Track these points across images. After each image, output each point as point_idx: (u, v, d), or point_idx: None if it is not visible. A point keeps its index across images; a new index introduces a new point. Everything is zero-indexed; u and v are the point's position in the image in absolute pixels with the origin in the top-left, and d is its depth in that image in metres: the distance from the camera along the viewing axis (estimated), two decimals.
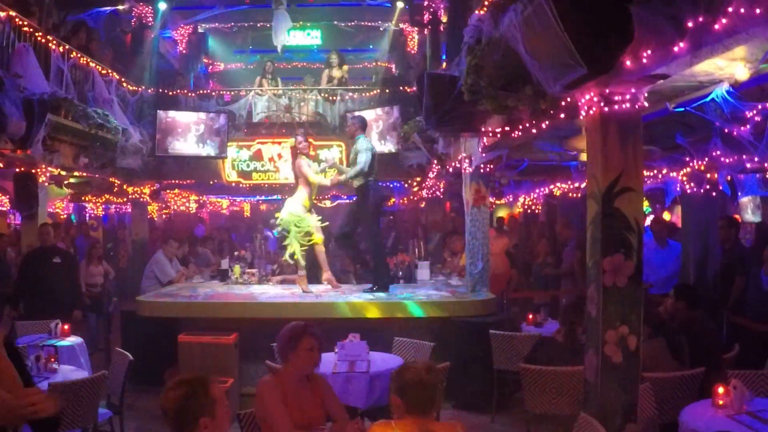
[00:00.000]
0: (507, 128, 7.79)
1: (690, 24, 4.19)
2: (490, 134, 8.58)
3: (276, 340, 5.38)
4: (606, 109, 5.57)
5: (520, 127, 7.51)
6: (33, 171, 11.01)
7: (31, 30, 10.49)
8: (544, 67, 5.25)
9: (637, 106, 5.59)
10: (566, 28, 4.63)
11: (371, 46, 20.75)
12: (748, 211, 12.80)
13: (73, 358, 9.12)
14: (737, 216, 11.20)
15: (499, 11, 6.28)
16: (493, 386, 9.54)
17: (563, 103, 6.09)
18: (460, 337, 9.96)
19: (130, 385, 8.31)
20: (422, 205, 17.66)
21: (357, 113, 14.99)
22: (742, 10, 3.78)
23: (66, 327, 9.58)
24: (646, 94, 5.60)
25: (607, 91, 5.47)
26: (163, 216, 19.61)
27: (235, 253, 15.72)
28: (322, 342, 5.24)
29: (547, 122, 6.93)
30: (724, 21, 3.95)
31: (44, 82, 10.24)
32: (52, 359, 7.79)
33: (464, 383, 9.31)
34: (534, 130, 7.33)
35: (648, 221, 15.07)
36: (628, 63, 4.72)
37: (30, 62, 10.05)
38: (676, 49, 4.41)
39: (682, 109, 6.33)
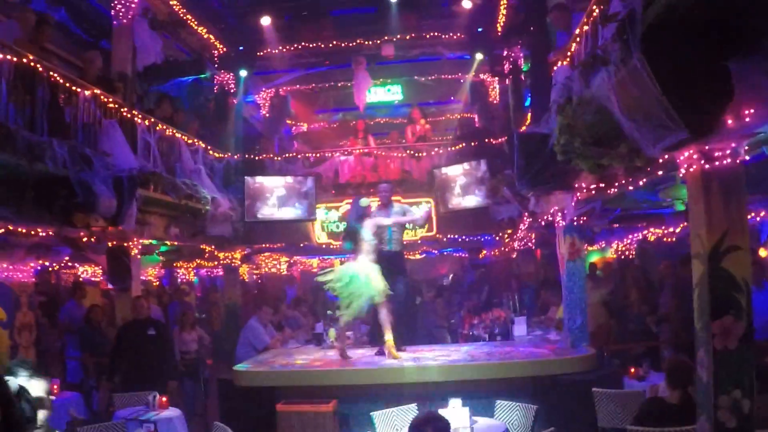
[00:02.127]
0: (602, 185, 7.63)
1: None
2: (584, 191, 8.42)
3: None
4: (707, 166, 5.42)
5: (616, 184, 7.35)
6: (125, 245, 11.15)
7: (117, 106, 10.67)
8: (642, 129, 5.10)
9: (738, 161, 5.42)
10: (663, 90, 4.49)
11: (452, 98, 20.69)
12: None
13: (172, 430, 9.16)
14: None
15: (589, 70, 6.16)
16: None
17: (660, 160, 5.94)
18: (562, 396, 9.72)
19: None
20: (514, 256, 17.44)
21: (444, 170, 15.03)
22: None
23: (164, 399, 9.64)
24: (746, 147, 5.43)
25: (707, 147, 5.32)
26: (254, 277, 19.73)
27: (328, 312, 15.73)
28: None
29: (644, 180, 6.77)
30: None
31: (132, 157, 10.37)
32: None
33: None
34: (630, 187, 7.17)
35: None
36: (729, 122, 4.58)
37: (117, 138, 10.21)
38: None
39: None
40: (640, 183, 6.93)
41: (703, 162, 5.39)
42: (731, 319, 5.51)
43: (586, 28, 7.83)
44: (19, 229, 8.82)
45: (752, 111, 4.43)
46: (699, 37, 4.34)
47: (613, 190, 7.65)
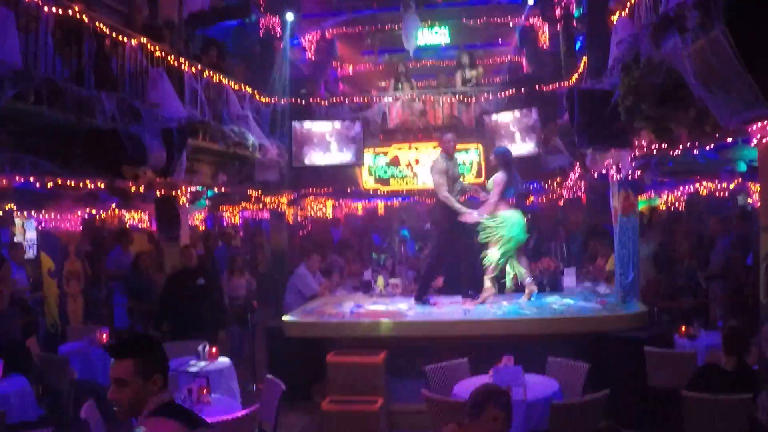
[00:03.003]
0: (665, 146, 7.45)
1: None
2: (644, 149, 8.24)
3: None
4: None
5: (680, 147, 7.19)
6: (174, 193, 11.13)
7: (164, 54, 10.60)
8: (718, 99, 4.95)
9: None
10: (746, 65, 4.33)
11: (501, 41, 20.37)
12: None
13: (223, 382, 9.22)
14: None
15: (660, 33, 5.97)
16: (648, 404, 9.27)
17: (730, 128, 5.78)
18: (613, 354, 9.66)
19: None
20: (561, 203, 17.26)
21: (494, 116, 14.83)
22: None
23: (214, 350, 9.68)
24: None
25: None
26: (299, 219, 19.70)
27: (373, 256, 15.71)
28: (510, 412, 4.99)
29: (711, 145, 6.61)
30: None
31: (180, 106, 10.32)
32: (205, 391, 7.83)
33: (617, 399, 9.01)
34: (696, 151, 7.01)
35: None
36: None
37: (165, 88, 10.15)
38: None
39: None
40: (707, 148, 6.77)
41: None
42: None
43: None
44: (68, 182, 8.80)
45: None
46: None
47: (676, 152, 7.49)
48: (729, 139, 6.22)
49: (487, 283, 10.97)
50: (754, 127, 5.40)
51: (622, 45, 7.42)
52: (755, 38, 4.30)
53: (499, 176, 10.76)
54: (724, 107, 4.92)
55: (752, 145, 5.66)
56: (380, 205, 22.14)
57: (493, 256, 10.81)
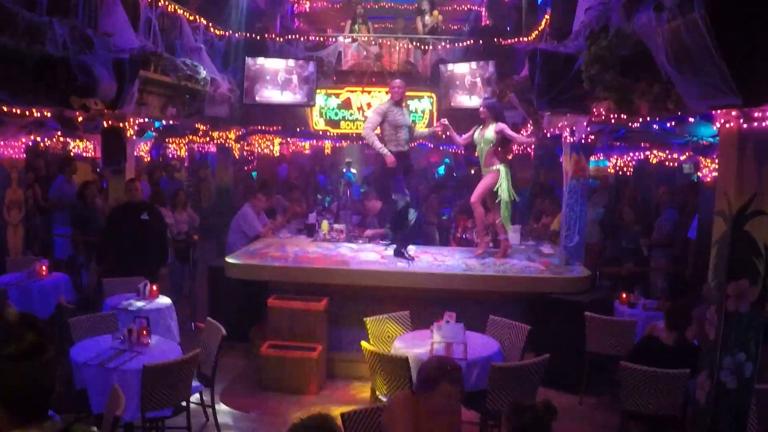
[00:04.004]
0: (624, 116, 7.40)
1: None
2: (602, 117, 8.20)
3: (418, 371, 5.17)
4: (745, 125, 5.23)
5: (639, 119, 7.15)
6: (121, 125, 10.88)
7: None
8: (687, 81, 4.87)
9: None
10: (722, 53, 4.27)
11: None
12: None
13: (162, 322, 9.16)
14: None
15: (634, 5, 5.87)
16: (584, 368, 9.39)
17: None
18: (553, 316, 9.77)
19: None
20: (509, 157, 17.27)
21: (450, 66, 14.70)
22: None
23: (155, 288, 9.57)
24: None
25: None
26: (245, 154, 19.50)
27: (318, 196, 15.63)
28: (463, 388, 4.98)
29: (671, 122, 6.59)
30: None
31: (133, 36, 10.03)
32: (144, 332, 7.73)
33: (555, 361, 9.09)
34: (655, 126, 6.99)
35: None
36: None
37: (119, 17, 9.85)
38: None
39: None
40: (667, 125, 6.75)
41: (741, 121, 5.21)
42: (747, 282, 5.45)
43: None
44: (15, 110, 8.55)
45: None
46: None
47: (635, 124, 7.46)
48: (691, 119, 6.20)
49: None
50: (718, 111, 5.36)
51: (592, 12, 7.31)
52: (733, 26, 4.23)
53: (500, 124, 10.80)
54: (693, 90, 4.86)
55: (714, 128, 5.64)
56: (327, 144, 22.00)
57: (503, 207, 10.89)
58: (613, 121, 7.92)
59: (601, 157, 15.58)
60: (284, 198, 15.16)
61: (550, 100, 8.17)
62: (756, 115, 5.14)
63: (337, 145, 21.12)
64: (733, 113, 5.22)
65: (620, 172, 15.71)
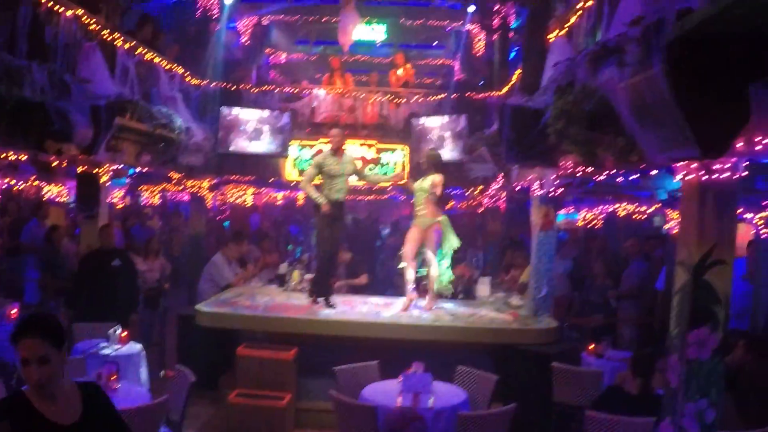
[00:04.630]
0: (590, 169, 7.57)
1: None
2: (570, 170, 8.37)
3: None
4: (705, 177, 5.37)
5: (605, 172, 7.31)
6: (95, 171, 10.93)
7: (98, 28, 10.41)
8: (649, 134, 5.05)
9: (736, 176, 5.38)
10: (681, 107, 4.43)
11: (436, 43, 20.53)
12: None
13: (132, 368, 9.10)
14: None
15: (598, 61, 6.05)
16: (552, 418, 9.43)
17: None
18: (521, 367, 9.81)
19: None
20: (480, 211, 17.44)
21: (422, 119, 14.89)
22: None
23: (125, 334, 9.56)
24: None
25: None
26: (218, 204, 19.54)
27: (288, 247, 15.68)
28: None
29: (637, 175, 6.75)
30: None
31: (110, 83, 10.16)
32: (113, 377, 7.72)
33: (523, 412, 9.14)
34: (620, 179, 7.15)
35: None
36: (739, 145, 4.53)
37: (97, 63, 9.99)
38: None
39: None
40: (630, 178, 6.92)
41: (702, 173, 5.35)
42: (707, 330, 5.55)
43: (590, 3, 7.76)
44: None
45: (765, 141, 4.38)
46: (724, 58, 4.29)
47: (600, 177, 7.63)
48: (653, 171, 6.35)
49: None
50: (680, 163, 5.51)
51: (559, 67, 7.52)
52: (691, 81, 4.39)
53: (438, 177, 10.80)
54: (653, 143, 5.02)
55: (675, 180, 5.78)
56: (300, 195, 22.10)
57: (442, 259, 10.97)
58: (579, 174, 8.08)
59: (571, 210, 15.77)
60: (256, 248, 15.19)
61: (518, 154, 8.35)
62: (715, 167, 5.28)
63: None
64: (694, 165, 5.36)
65: (589, 225, 15.88)
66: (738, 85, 4.31)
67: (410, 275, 11.02)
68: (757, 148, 4.46)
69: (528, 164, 9.54)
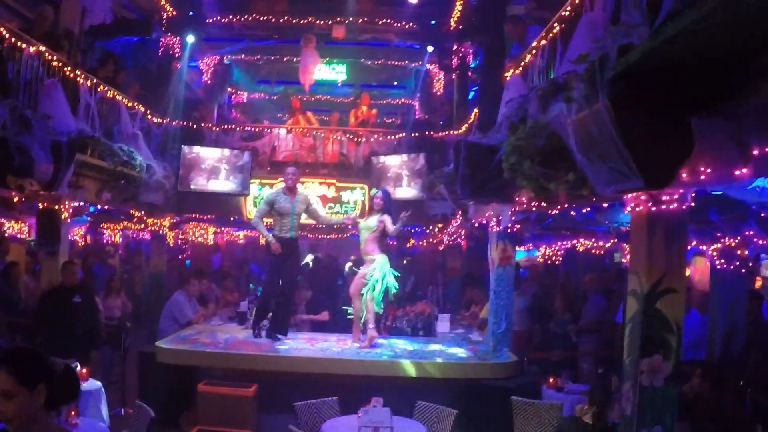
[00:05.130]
0: (544, 204, 7.72)
1: (756, 152, 4.11)
2: (524, 205, 8.51)
3: None
4: (653, 208, 5.50)
5: (558, 207, 7.45)
6: (56, 207, 10.93)
7: (60, 65, 10.47)
8: (595, 168, 5.17)
9: (684, 207, 5.53)
10: (624, 138, 4.55)
11: (396, 83, 20.75)
12: None
13: (92, 405, 9.05)
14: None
15: (548, 98, 6.21)
16: None
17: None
18: (481, 401, 9.88)
19: None
20: (441, 248, 17.58)
21: (382, 158, 15.03)
22: None
23: (85, 371, 9.50)
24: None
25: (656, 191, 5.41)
26: (180, 243, 19.53)
27: (251, 286, 15.70)
28: None
29: (588, 208, 6.89)
30: None
31: (72, 120, 10.17)
32: (73, 412, 7.69)
33: None
34: (572, 213, 7.28)
35: None
36: (684, 176, 4.66)
37: (58, 99, 10.00)
38: (737, 172, 4.34)
39: (720, 192, 6.29)
40: (583, 211, 7.05)
41: (650, 204, 5.48)
42: (660, 358, 5.65)
43: (543, 42, 7.93)
44: None
45: (709, 171, 4.51)
46: (666, 92, 4.42)
47: (554, 211, 7.76)
48: (605, 204, 6.49)
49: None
50: (629, 195, 5.65)
51: (512, 104, 7.67)
52: (634, 114, 4.52)
53: (387, 216, 10.93)
54: (601, 176, 5.14)
55: (626, 212, 5.91)
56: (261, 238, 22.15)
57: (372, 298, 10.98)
58: (534, 209, 8.22)
59: (531, 247, 15.94)
60: (217, 287, 15.19)
61: (473, 190, 8.47)
62: (664, 198, 5.42)
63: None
64: (642, 197, 5.50)
65: (550, 261, 16.05)
66: (680, 118, 4.43)
67: (356, 311, 11.28)
68: (702, 177, 4.57)
69: (483, 200, 9.67)
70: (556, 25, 7.31)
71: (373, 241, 11.07)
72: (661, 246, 5.61)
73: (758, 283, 13.80)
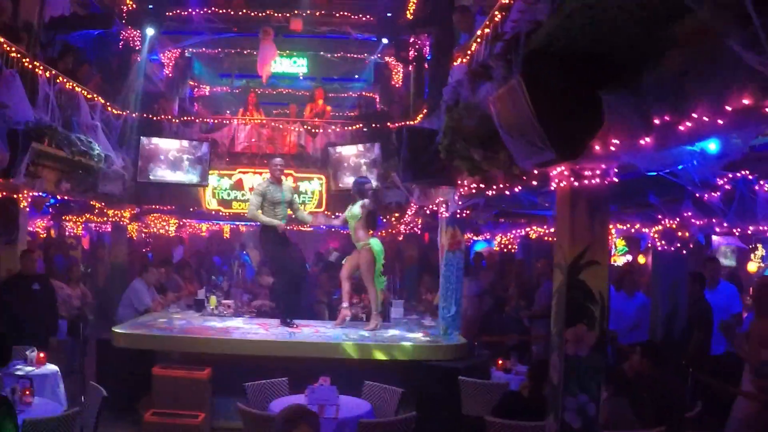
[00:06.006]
0: (482, 185, 7.93)
1: (657, 121, 4.29)
2: (465, 188, 8.72)
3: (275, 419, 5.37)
4: (576, 183, 5.72)
5: (494, 187, 7.66)
6: (14, 196, 11.05)
7: (19, 56, 10.55)
8: (515, 143, 5.38)
9: (606, 181, 5.75)
10: (537, 112, 4.74)
11: (356, 76, 20.92)
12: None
13: (49, 388, 9.18)
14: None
15: (477, 79, 6.44)
16: (461, 430, 9.69)
17: (535, 172, 6.24)
18: (429, 382, 10.12)
19: (103, 413, 8.32)
20: (400, 239, 17.77)
21: (338, 148, 15.22)
22: (706, 118, 3.90)
23: (42, 355, 9.63)
24: (616, 169, 5.76)
25: (578, 166, 5.62)
26: (143, 236, 19.62)
27: (212, 277, 15.84)
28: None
29: (520, 187, 7.10)
30: (689, 124, 4.05)
31: (30, 110, 10.23)
32: (27, 392, 7.85)
33: (432, 425, 9.42)
34: (507, 192, 7.49)
35: (621, 261, 15.37)
36: (597, 148, 4.86)
37: (17, 90, 10.07)
38: (642, 142, 4.55)
39: (655, 173, 6.50)
40: (516, 189, 7.26)
41: (573, 179, 5.70)
42: (584, 328, 5.87)
43: (487, 30, 8.12)
44: None
45: (617, 142, 4.71)
46: (575, 67, 4.62)
47: (491, 192, 7.95)
48: (534, 183, 6.69)
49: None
50: (553, 172, 5.88)
51: (448, 88, 7.88)
52: (545, 90, 4.72)
53: (368, 202, 11.29)
54: (520, 150, 5.35)
55: (551, 188, 6.14)
56: (226, 228, 22.24)
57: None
58: (474, 191, 8.42)
59: (488, 236, 16.19)
60: (178, 277, 15.31)
61: (414, 173, 8.72)
62: (586, 173, 5.65)
63: (235, 227, 21.43)
64: (566, 173, 5.73)
65: (505, 249, 16.29)
66: (590, 92, 4.64)
67: (344, 293, 11.70)
68: (611, 148, 4.77)
69: (425, 183, 9.90)
70: (497, 12, 7.50)
71: (362, 227, 11.38)
72: (583, 219, 5.85)
73: (753, 266, 14.24)
